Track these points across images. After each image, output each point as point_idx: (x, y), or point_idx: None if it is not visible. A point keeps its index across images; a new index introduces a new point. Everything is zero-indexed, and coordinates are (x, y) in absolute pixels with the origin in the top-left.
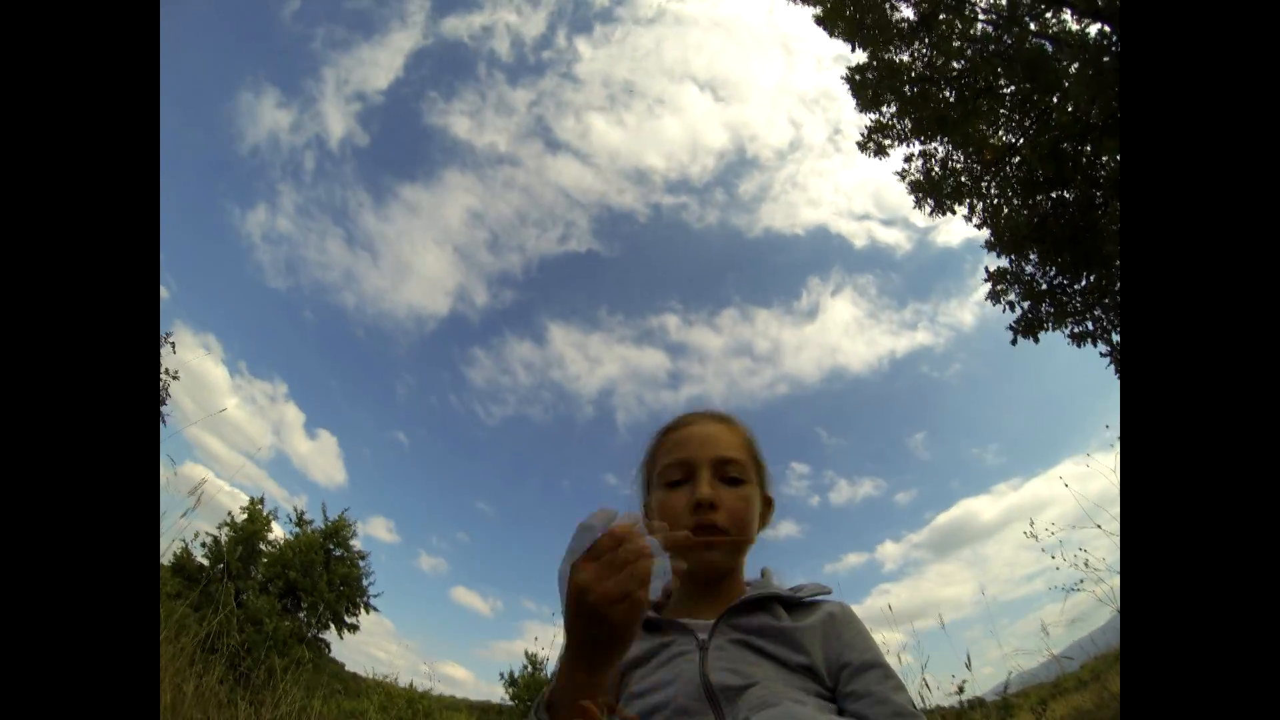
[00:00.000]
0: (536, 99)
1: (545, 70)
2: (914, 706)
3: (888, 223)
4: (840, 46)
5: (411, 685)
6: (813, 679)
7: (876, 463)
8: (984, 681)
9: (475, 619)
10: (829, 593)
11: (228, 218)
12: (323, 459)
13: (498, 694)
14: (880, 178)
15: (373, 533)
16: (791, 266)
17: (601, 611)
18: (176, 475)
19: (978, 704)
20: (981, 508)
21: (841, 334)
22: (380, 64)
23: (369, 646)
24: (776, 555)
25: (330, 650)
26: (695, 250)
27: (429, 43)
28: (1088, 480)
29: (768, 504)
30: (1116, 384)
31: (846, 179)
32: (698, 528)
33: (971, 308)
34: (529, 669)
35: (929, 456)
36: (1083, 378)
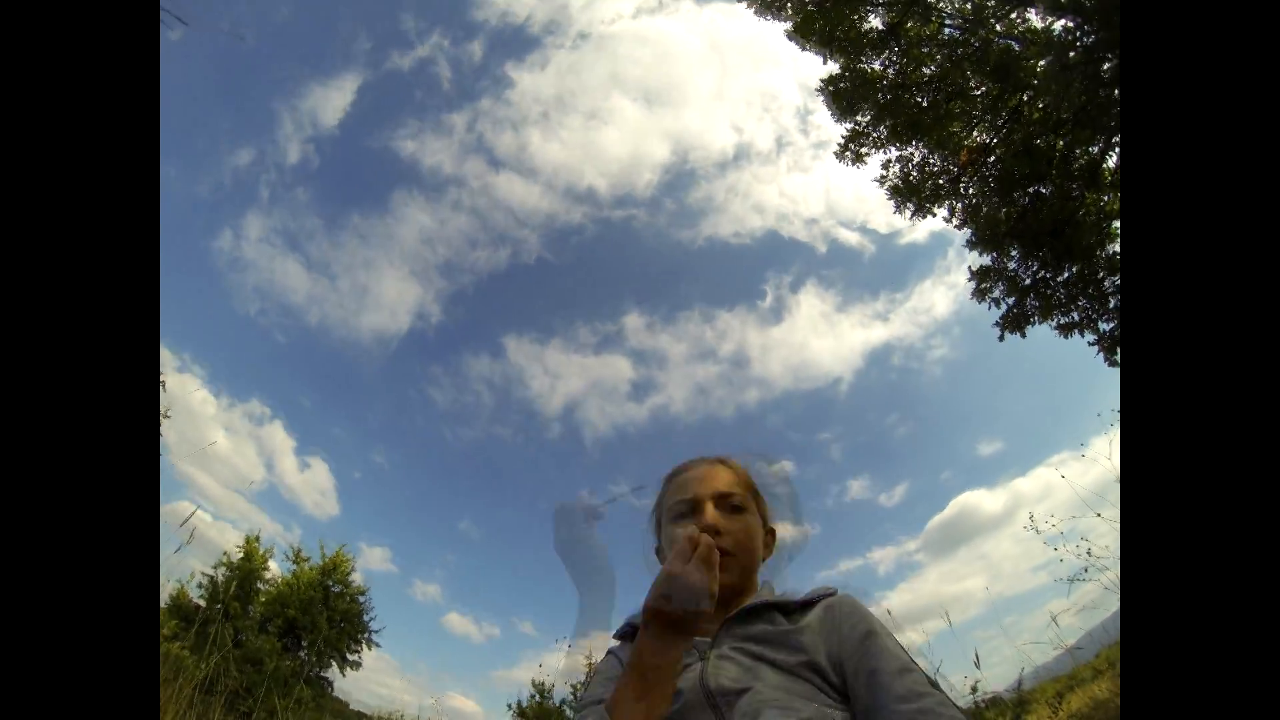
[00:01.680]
0: (479, 122)
1: (485, 95)
2: (925, 685)
3: (844, 224)
4: (779, 48)
5: (418, 719)
6: (818, 675)
7: (861, 462)
8: (999, 679)
9: (471, 647)
10: (832, 593)
11: (195, 247)
12: (314, 487)
13: None
14: (832, 181)
15: (370, 564)
16: (750, 270)
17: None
18: (174, 512)
19: (994, 702)
20: (978, 502)
21: (810, 332)
22: (331, 100)
23: (371, 683)
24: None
25: (333, 688)
26: (648, 259)
27: (374, 77)
28: (1087, 467)
29: (770, 534)
30: (1105, 371)
31: (793, 183)
32: None
33: (945, 297)
34: (536, 698)
35: (917, 452)
36: (1070, 365)
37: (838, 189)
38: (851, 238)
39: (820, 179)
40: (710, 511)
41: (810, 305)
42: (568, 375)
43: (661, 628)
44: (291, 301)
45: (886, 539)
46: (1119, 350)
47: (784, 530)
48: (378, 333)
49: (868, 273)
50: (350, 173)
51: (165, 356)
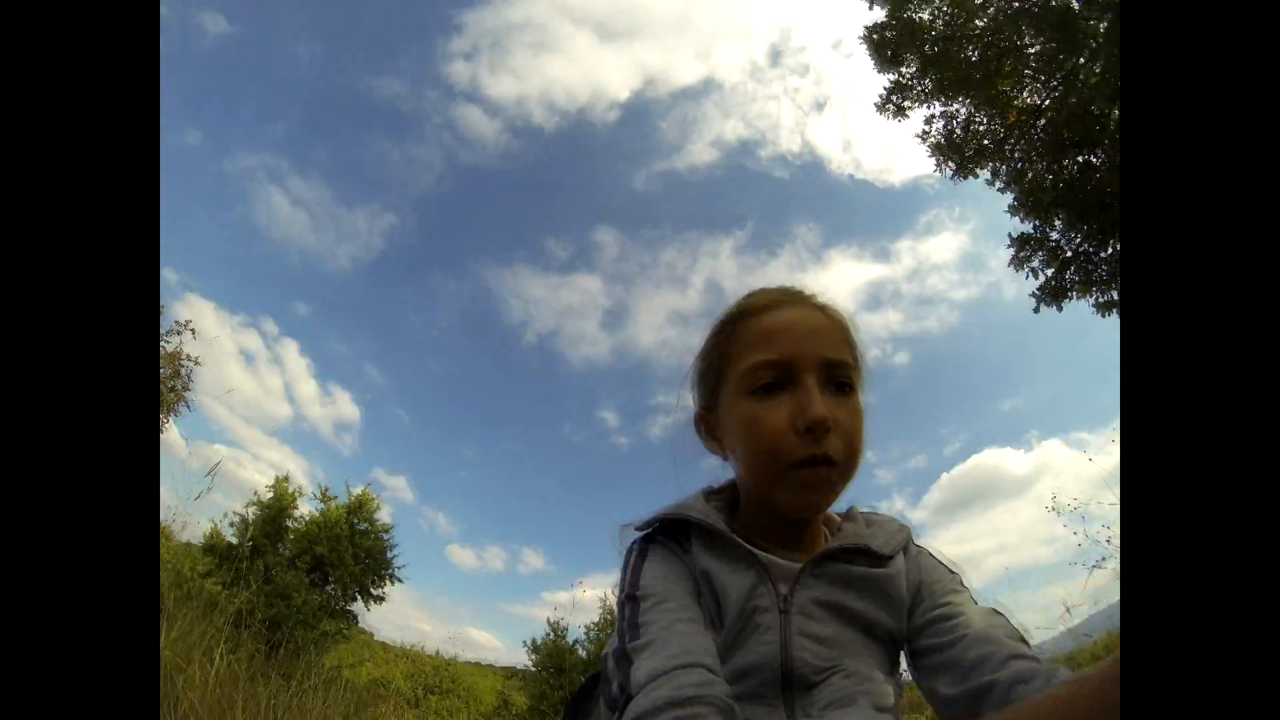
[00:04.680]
0: (443, 58)
1: (445, 31)
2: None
3: (832, 159)
4: None
5: (438, 653)
6: (893, 646)
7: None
8: None
9: (478, 578)
10: (909, 539)
11: (192, 183)
12: (332, 417)
13: (521, 659)
14: (818, 115)
15: (389, 492)
16: (726, 199)
17: None
18: (190, 454)
19: None
20: (985, 465)
21: (794, 267)
22: (300, 44)
23: (392, 614)
24: None
25: (358, 621)
26: (621, 187)
27: (338, 24)
28: (1111, 445)
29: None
30: None
31: (767, 113)
32: (808, 461)
33: (951, 242)
34: (551, 635)
35: (919, 402)
36: (1103, 340)
37: (823, 123)
38: (841, 173)
39: (804, 113)
40: (817, 394)
41: (799, 239)
42: (542, 300)
43: None
44: (281, 233)
45: (881, 495)
46: (1120, 342)
47: None
48: (357, 259)
49: (860, 208)
50: (319, 111)
51: (171, 277)
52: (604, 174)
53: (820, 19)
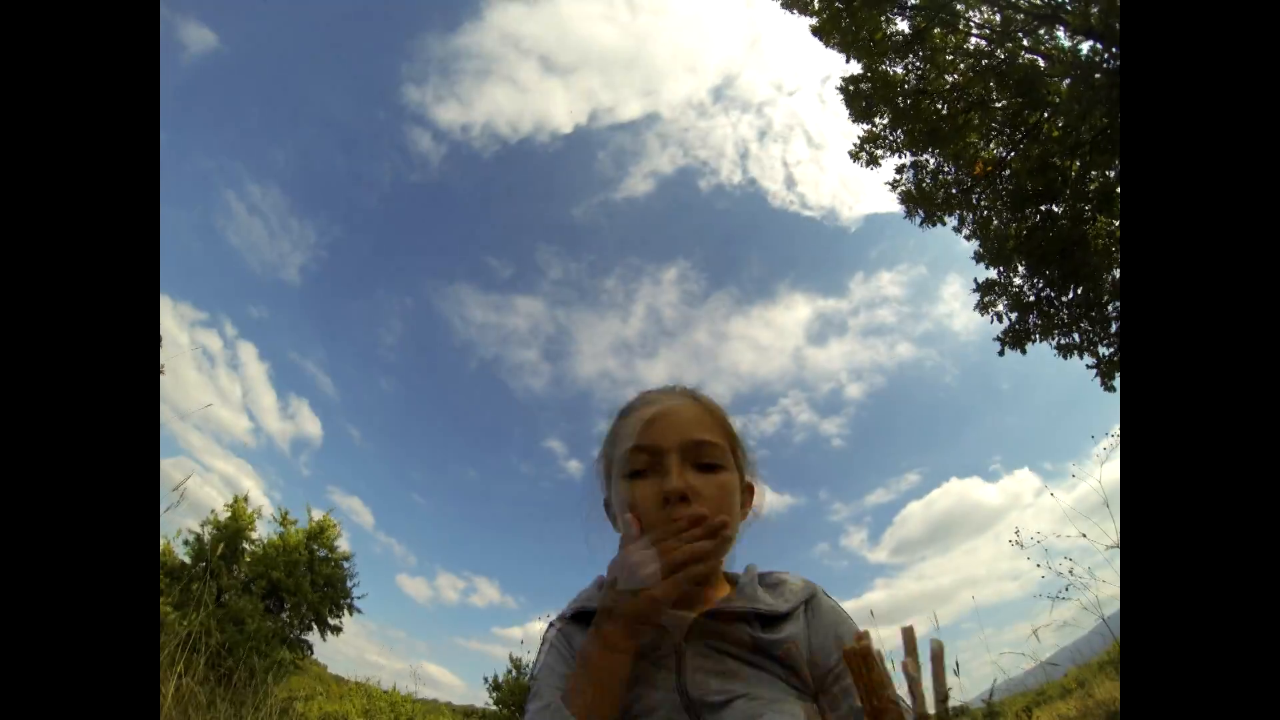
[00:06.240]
0: (398, 80)
1: (405, 56)
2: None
3: (779, 196)
4: (697, 10)
5: (394, 689)
6: (799, 679)
7: (807, 447)
8: (970, 688)
9: (430, 611)
10: (812, 594)
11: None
12: (286, 426)
13: (480, 697)
14: (761, 147)
15: (349, 515)
16: (673, 231)
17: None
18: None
19: (962, 711)
20: (956, 497)
21: (744, 300)
22: (264, 60)
23: (351, 648)
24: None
25: (313, 652)
26: (562, 217)
27: (302, 39)
28: (1072, 484)
29: (748, 491)
30: (1099, 393)
31: (710, 145)
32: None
33: (899, 278)
34: (513, 673)
35: (883, 440)
36: (1059, 382)
37: (767, 155)
38: (788, 207)
39: (748, 146)
40: (677, 470)
41: (744, 270)
42: (485, 321)
43: (607, 619)
44: (239, 238)
45: (837, 531)
46: (1119, 366)
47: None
48: (304, 269)
49: (812, 242)
50: (277, 121)
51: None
52: (545, 203)
53: (767, 60)
